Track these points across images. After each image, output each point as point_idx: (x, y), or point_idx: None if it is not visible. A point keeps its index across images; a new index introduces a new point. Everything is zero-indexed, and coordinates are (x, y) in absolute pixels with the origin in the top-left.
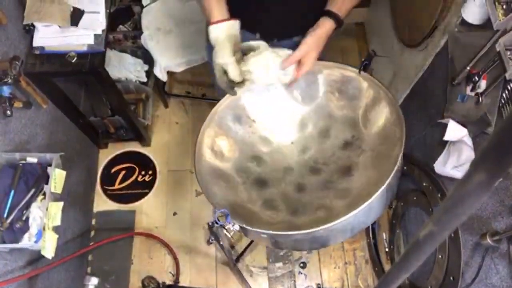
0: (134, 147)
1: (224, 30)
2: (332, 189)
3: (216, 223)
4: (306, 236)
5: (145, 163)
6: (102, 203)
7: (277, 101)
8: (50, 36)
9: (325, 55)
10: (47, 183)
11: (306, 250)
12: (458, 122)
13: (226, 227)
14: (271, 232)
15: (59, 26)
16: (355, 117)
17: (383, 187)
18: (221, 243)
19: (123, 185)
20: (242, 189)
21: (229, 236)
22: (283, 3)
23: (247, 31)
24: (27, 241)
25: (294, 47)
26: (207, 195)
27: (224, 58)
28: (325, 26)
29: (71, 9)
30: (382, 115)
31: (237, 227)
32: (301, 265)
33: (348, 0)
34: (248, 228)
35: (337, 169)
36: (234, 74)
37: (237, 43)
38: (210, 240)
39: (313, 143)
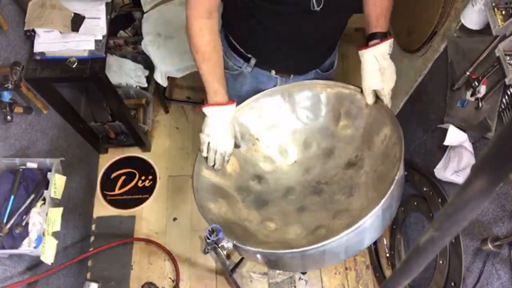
0: (134, 152)
1: (230, 114)
2: (332, 210)
3: (208, 238)
4: (298, 255)
5: (145, 168)
6: (102, 209)
7: (281, 120)
8: (51, 41)
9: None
10: (47, 189)
11: (299, 271)
12: (458, 127)
13: (219, 245)
14: (261, 250)
15: (60, 32)
16: (358, 137)
17: (376, 209)
18: (217, 252)
19: (123, 190)
20: (241, 207)
21: (223, 253)
22: (302, 43)
23: (263, 69)
24: (26, 247)
25: (308, 77)
26: (202, 211)
27: (228, 146)
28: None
29: (72, 15)
30: (383, 134)
31: (230, 244)
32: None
33: (385, 15)
34: (240, 246)
35: (338, 190)
36: (227, 162)
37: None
38: (206, 249)
39: (316, 163)
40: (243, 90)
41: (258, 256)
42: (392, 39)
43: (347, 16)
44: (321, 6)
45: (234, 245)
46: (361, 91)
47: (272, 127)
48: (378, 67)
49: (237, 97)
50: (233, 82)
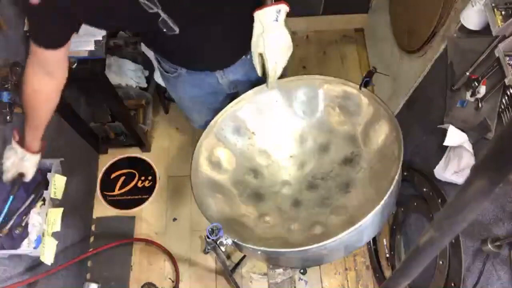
0: (134, 152)
1: (36, 162)
2: (328, 206)
3: (208, 237)
4: (299, 254)
5: (145, 169)
6: (101, 209)
7: (278, 114)
8: None
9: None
10: (46, 189)
11: (299, 267)
12: (458, 127)
13: (218, 242)
14: (262, 248)
15: None
16: (355, 134)
17: (377, 208)
18: (217, 252)
19: (123, 190)
20: (237, 202)
21: (223, 250)
22: (201, 49)
23: (193, 69)
24: (26, 247)
25: (246, 64)
26: (201, 208)
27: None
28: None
29: None
30: (381, 133)
31: (230, 241)
32: (302, 271)
33: None
34: (241, 243)
35: (334, 185)
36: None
37: None
38: (206, 249)
39: (312, 158)
40: (187, 88)
41: (259, 253)
42: (280, 5)
43: (233, 14)
44: (178, 29)
45: (235, 242)
46: (360, 88)
47: (269, 121)
48: (262, 31)
49: (184, 95)
50: (175, 83)
